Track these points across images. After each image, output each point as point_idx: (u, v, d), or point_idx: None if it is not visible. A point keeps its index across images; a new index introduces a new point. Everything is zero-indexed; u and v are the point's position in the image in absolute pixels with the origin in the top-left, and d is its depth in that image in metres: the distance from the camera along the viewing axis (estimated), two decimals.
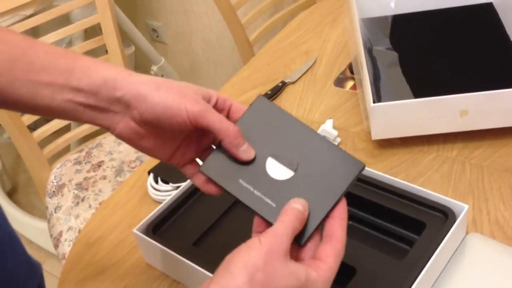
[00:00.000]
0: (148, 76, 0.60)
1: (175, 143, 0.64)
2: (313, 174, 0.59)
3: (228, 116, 0.63)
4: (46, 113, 0.61)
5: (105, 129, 0.62)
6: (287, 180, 0.59)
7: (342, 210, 0.58)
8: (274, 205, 0.58)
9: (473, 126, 0.96)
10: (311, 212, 0.57)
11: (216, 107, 0.62)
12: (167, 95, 0.58)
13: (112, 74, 0.59)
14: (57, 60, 0.59)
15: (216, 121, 0.58)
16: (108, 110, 0.60)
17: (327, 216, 0.58)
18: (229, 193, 0.60)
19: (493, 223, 0.84)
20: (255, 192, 0.59)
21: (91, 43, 1.56)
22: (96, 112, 0.60)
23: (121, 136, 0.62)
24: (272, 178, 0.59)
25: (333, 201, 0.57)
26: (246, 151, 0.60)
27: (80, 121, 0.62)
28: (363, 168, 0.59)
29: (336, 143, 1.02)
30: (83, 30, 1.85)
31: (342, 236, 0.57)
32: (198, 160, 0.66)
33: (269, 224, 0.57)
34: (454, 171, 0.94)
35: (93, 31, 1.73)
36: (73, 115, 0.60)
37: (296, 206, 0.56)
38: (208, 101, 0.61)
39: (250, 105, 0.62)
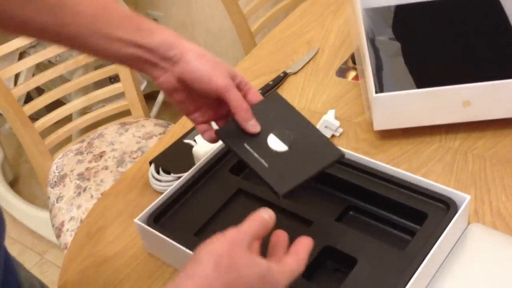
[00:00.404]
0: (195, 45, 0.75)
1: (199, 103, 0.77)
2: (301, 153, 0.74)
3: (244, 96, 0.76)
4: (110, 59, 0.77)
5: (150, 77, 0.77)
6: (281, 152, 0.74)
7: (303, 248, 0.65)
8: (267, 166, 0.73)
9: (476, 116, 0.96)
10: (288, 177, 0.72)
11: (238, 86, 0.75)
12: (205, 65, 0.73)
13: (170, 38, 0.74)
14: (128, 20, 0.73)
15: (234, 97, 0.73)
16: (158, 65, 0.74)
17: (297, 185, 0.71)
18: (234, 151, 0.75)
19: (495, 213, 0.84)
20: (255, 154, 0.74)
21: None
22: (149, 65, 0.74)
23: (160, 86, 0.76)
24: (271, 148, 0.74)
25: (306, 176, 0.72)
26: (253, 125, 0.75)
27: (135, 68, 0.77)
28: (341, 156, 0.74)
29: (338, 134, 1.01)
30: None
31: (304, 255, 0.64)
32: (212, 123, 0.80)
33: (259, 176, 0.72)
34: (457, 161, 0.94)
35: None
36: (131, 64, 0.76)
37: (264, 216, 0.63)
38: (233, 79, 0.75)
39: (265, 95, 0.78)
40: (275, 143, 0.75)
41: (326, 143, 0.75)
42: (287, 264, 0.62)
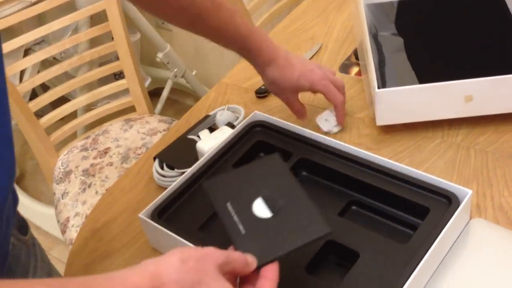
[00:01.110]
0: (284, 51, 0.97)
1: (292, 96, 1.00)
2: (285, 223, 0.69)
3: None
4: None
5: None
6: (263, 219, 0.70)
7: (272, 272, 0.63)
8: (243, 232, 0.68)
9: (478, 111, 0.96)
10: (264, 248, 0.66)
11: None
12: (291, 71, 0.96)
13: (280, 53, 0.96)
14: (243, 28, 0.94)
15: (332, 91, 0.97)
16: (267, 65, 0.96)
17: (275, 259, 0.65)
18: (215, 207, 0.72)
19: (497, 208, 0.84)
20: (234, 217, 0.69)
21: (97, 30, 1.56)
22: (258, 65, 0.97)
23: (265, 78, 0.99)
24: (253, 213, 0.70)
25: (284, 251, 0.66)
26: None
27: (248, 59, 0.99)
28: (328, 234, 0.68)
29: (337, 130, 1.02)
30: (89, 17, 1.85)
31: (275, 276, 0.63)
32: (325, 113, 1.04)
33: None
34: (459, 157, 0.94)
35: (98, 18, 1.72)
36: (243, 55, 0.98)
37: (247, 257, 0.63)
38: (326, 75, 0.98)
39: (265, 156, 0.83)
40: (260, 208, 0.70)
41: (315, 216, 0.69)
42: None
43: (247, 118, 0.98)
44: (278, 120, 0.96)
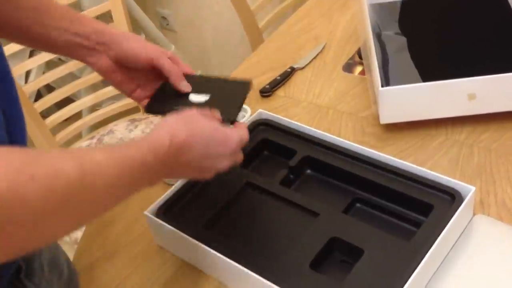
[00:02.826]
0: (123, 31, 0.91)
1: (139, 80, 0.89)
2: (220, 98, 0.87)
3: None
4: (51, 49, 0.89)
5: (89, 65, 0.87)
6: (204, 101, 0.86)
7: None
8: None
9: (481, 109, 0.97)
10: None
11: (170, 59, 0.88)
12: (136, 43, 0.86)
13: (100, 26, 0.86)
14: (64, 13, 0.85)
15: (167, 63, 0.86)
16: (94, 49, 0.85)
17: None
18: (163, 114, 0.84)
19: (500, 205, 0.85)
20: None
21: None
22: (86, 50, 0.85)
23: (99, 69, 0.87)
24: (194, 102, 0.86)
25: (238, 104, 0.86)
26: (185, 85, 0.87)
27: (74, 56, 0.87)
28: (250, 84, 0.88)
29: (244, 117, 1.06)
30: (94, 18, 1.86)
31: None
32: None
33: None
34: (462, 154, 0.94)
35: (103, 19, 1.73)
36: (69, 51, 0.86)
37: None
38: (164, 54, 0.87)
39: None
40: (197, 98, 0.87)
41: (235, 83, 0.91)
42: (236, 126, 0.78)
43: (251, 117, 0.99)
44: (282, 119, 0.97)
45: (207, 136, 0.72)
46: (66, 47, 0.85)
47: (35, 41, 0.87)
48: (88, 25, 0.85)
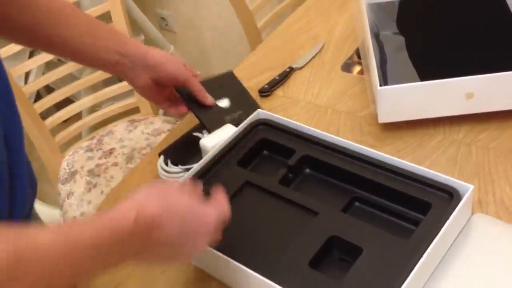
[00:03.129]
0: (161, 51, 0.99)
1: (166, 93, 1.03)
2: (233, 95, 1.07)
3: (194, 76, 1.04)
4: (95, 65, 0.98)
5: (127, 80, 0.99)
6: (229, 105, 1.05)
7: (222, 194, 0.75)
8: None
9: (479, 108, 0.97)
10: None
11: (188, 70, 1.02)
12: (173, 65, 0.98)
13: (142, 48, 0.97)
14: (111, 33, 0.96)
15: (195, 84, 1.01)
16: (134, 68, 0.96)
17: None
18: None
19: (499, 203, 0.85)
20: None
21: None
22: (127, 68, 0.95)
23: (137, 85, 0.99)
24: (218, 105, 1.05)
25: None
26: (210, 100, 1.03)
27: (115, 73, 1.00)
28: (232, 73, 1.12)
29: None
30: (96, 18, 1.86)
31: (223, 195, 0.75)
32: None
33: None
34: (460, 153, 0.95)
35: (103, 20, 1.73)
36: (112, 68, 0.97)
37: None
38: (185, 66, 1.01)
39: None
40: (222, 104, 1.05)
41: (225, 76, 1.11)
42: (215, 200, 0.72)
43: (250, 116, 0.99)
44: (281, 118, 0.97)
45: (182, 212, 0.65)
46: (109, 65, 0.95)
47: (80, 57, 0.96)
48: (132, 46, 0.95)
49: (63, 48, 0.93)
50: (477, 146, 0.95)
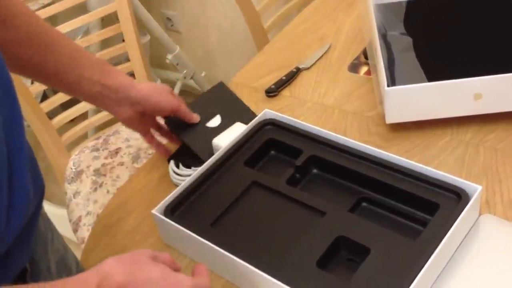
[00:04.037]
0: (147, 83, 0.98)
1: (150, 122, 1.02)
2: (224, 109, 1.05)
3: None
4: (81, 96, 0.94)
5: (113, 114, 0.96)
6: (220, 123, 1.02)
7: (204, 269, 0.69)
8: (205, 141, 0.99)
9: (487, 109, 0.97)
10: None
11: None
12: (159, 97, 0.96)
13: (127, 81, 0.94)
14: (95, 64, 0.91)
15: (184, 111, 0.99)
16: (120, 102, 0.93)
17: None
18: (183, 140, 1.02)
19: (507, 204, 0.85)
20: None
21: (108, 32, 1.58)
22: (111, 101, 0.93)
23: (121, 118, 0.96)
24: (208, 126, 1.02)
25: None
26: (195, 118, 1.01)
27: (99, 105, 0.96)
28: (224, 84, 1.11)
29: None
30: (100, 19, 1.87)
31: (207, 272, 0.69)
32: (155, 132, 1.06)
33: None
34: (468, 154, 0.95)
35: (109, 20, 1.74)
36: (96, 100, 0.94)
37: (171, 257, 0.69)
38: (171, 93, 0.99)
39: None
40: (212, 123, 1.02)
41: (216, 90, 1.10)
42: (197, 273, 0.68)
43: (258, 116, 0.99)
44: (288, 118, 0.98)
45: (153, 280, 0.62)
46: (94, 96, 0.92)
47: (66, 88, 0.93)
48: (116, 79, 0.92)
49: (48, 77, 0.90)
50: (485, 146, 0.95)
